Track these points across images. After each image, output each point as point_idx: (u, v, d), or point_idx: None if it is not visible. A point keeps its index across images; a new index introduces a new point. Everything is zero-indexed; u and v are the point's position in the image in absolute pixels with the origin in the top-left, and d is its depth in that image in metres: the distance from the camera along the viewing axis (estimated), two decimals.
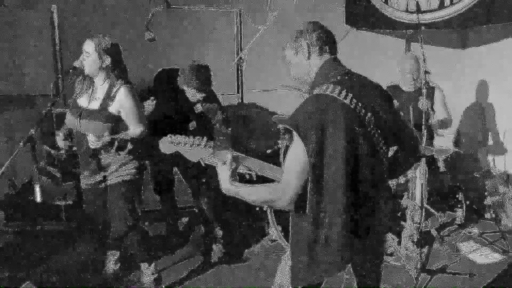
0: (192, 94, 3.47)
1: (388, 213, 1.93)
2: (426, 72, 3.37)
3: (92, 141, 2.78)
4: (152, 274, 3.12)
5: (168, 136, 2.00)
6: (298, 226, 1.80)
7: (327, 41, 1.91)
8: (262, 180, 1.90)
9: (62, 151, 2.97)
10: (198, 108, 3.59)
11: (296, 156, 1.71)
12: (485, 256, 3.64)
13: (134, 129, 2.88)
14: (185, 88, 3.46)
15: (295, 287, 1.85)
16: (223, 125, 3.75)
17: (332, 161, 1.69)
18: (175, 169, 3.91)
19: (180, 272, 3.44)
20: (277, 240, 3.70)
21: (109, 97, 2.82)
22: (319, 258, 1.75)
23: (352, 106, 1.75)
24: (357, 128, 1.74)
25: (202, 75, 3.41)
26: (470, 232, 4.04)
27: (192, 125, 3.60)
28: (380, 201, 1.88)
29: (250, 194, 1.81)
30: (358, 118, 1.76)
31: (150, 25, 4.18)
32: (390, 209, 1.82)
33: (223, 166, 1.88)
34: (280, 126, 3.99)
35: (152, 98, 3.48)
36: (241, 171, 1.93)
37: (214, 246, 3.67)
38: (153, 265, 3.13)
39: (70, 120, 2.90)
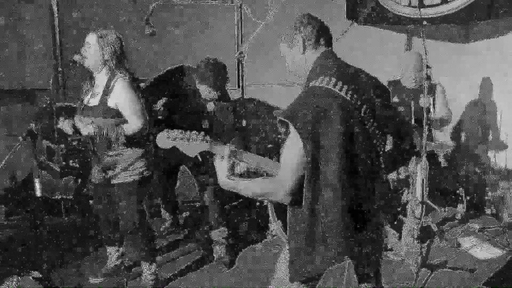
0: (207, 92, 3.32)
1: (385, 206, 1.92)
2: (427, 66, 3.35)
3: (79, 128, 2.76)
4: (152, 274, 3.11)
5: (165, 131, 1.99)
6: (296, 220, 1.79)
7: (322, 34, 1.89)
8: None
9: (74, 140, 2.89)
10: (211, 107, 3.41)
11: (292, 148, 1.69)
12: (486, 251, 3.63)
13: (131, 124, 2.80)
14: (198, 85, 3.32)
15: (294, 281, 1.84)
16: (236, 126, 3.60)
17: (328, 153, 1.68)
18: (182, 166, 3.87)
19: (179, 268, 3.43)
20: (277, 235, 3.70)
21: (107, 90, 2.79)
22: (317, 251, 1.75)
23: (348, 98, 1.74)
24: (353, 120, 1.73)
25: (218, 72, 3.27)
26: (470, 227, 4.04)
27: (205, 123, 3.43)
28: (377, 193, 1.87)
29: (248, 188, 1.81)
30: (354, 110, 1.75)
31: (150, 19, 4.16)
32: (387, 202, 1.82)
33: (221, 160, 1.88)
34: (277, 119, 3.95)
35: (164, 98, 3.37)
36: (239, 172, 1.92)
37: (218, 247, 3.50)
38: (154, 265, 3.12)
39: (77, 120, 2.91)
